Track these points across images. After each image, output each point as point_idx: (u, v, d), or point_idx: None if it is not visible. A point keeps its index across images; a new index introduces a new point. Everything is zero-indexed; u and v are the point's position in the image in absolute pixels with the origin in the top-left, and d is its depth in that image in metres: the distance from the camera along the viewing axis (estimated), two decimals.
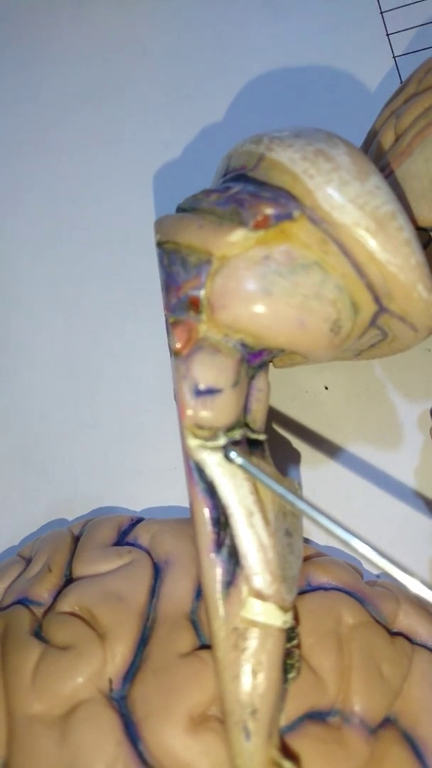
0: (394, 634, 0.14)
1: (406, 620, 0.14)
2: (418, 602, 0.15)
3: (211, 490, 0.12)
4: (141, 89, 0.21)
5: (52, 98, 0.22)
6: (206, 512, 0.12)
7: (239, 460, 0.11)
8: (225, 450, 0.11)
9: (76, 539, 0.16)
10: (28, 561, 0.16)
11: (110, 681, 0.13)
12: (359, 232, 0.11)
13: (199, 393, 0.12)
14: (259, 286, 0.11)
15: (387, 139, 0.14)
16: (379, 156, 0.14)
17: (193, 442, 0.12)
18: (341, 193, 0.11)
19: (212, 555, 0.12)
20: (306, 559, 0.15)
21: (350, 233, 0.11)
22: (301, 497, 0.11)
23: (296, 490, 0.13)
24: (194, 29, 0.22)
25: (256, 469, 0.11)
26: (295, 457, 0.16)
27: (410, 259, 0.11)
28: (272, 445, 0.16)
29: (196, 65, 0.21)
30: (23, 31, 0.22)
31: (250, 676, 0.11)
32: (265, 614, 0.11)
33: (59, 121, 0.21)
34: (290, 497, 0.11)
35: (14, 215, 0.20)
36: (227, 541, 0.12)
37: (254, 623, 0.11)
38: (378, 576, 0.16)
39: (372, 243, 0.11)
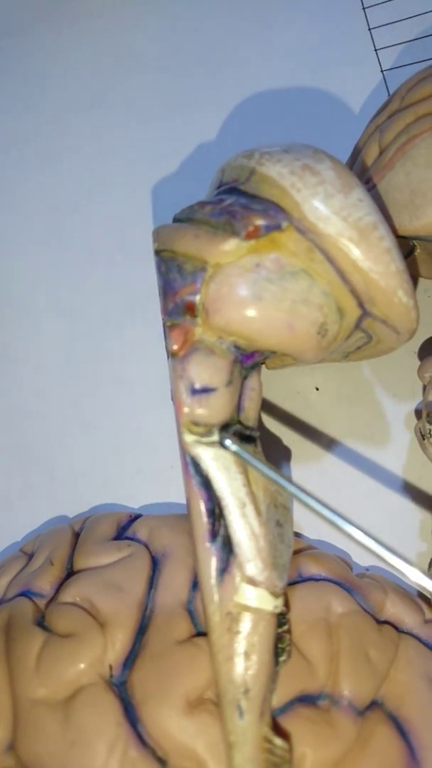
0: (382, 622, 0.15)
1: (393, 609, 0.15)
2: (401, 589, 0.15)
3: (206, 483, 0.13)
4: (138, 102, 0.22)
5: (52, 109, 0.23)
6: (202, 504, 0.13)
7: (234, 447, 0.12)
8: (221, 438, 0.12)
9: (77, 535, 0.17)
10: (30, 556, 0.17)
11: (110, 667, 0.14)
12: (343, 241, 0.12)
13: (194, 392, 0.12)
14: (251, 292, 0.12)
15: (371, 152, 0.15)
16: (363, 169, 0.15)
17: (189, 438, 0.13)
18: (326, 206, 0.12)
19: (207, 544, 0.12)
20: (297, 552, 0.16)
21: (335, 243, 0.12)
22: (292, 482, 0.12)
23: None
24: (188, 44, 0.23)
25: (250, 455, 0.12)
26: (286, 454, 0.17)
27: (390, 267, 0.12)
28: (265, 442, 0.17)
29: (190, 79, 0.22)
30: (25, 45, 0.23)
31: (243, 658, 0.12)
32: (257, 599, 0.12)
33: (59, 131, 0.22)
34: (282, 482, 0.12)
35: (15, 223, 0.21)
36: (221, 531, 0.12)
37: (247, 608, 0.12)
38: (367, 569, 0.17)
39: (355, 252, 0.12)
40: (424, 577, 0.11)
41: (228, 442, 0.12)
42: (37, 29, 0.24)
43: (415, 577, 0.11)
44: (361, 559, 0.17)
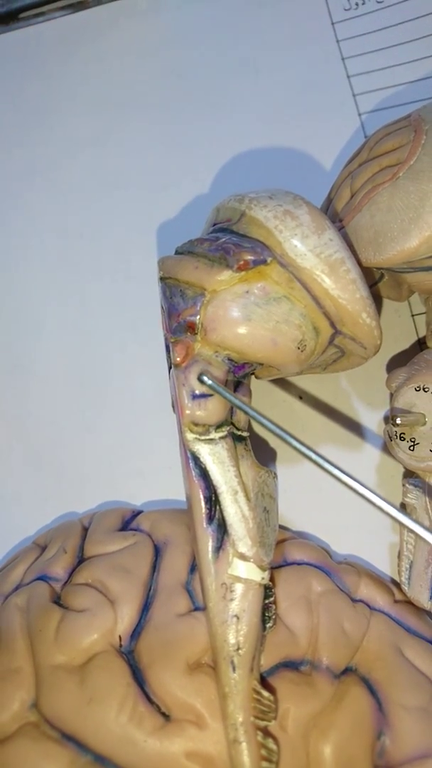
0: (356, 601, 0.18)
1: (366, 590, 0.18)
2: (374, 574, 0.18)
3: (204, 475, 0.16)
4: (141, 137, 0.25)
5: (61, 142, 0.26)
6: (200, 492, 0.15)
7: (209, 381, 0.15)
8: (200, 376, 0.15)
9: (85, 528, 0.20)
10: (43, 548, 0.20)
11: (120, 637, 0.16)
12: (317, 273, 0.15)
13: (194, 397, 0.16)
14: (242, 314, 0.15)
15: (344, 195, 0.18)
16: (337, 209, 0.18)
17: (189, 436, 0.16)
18: (303, 245, 0.15)
19: (205, 526, 0.15)
20: (283, 541, 0.19)
21: (310, 275, 0.15)
22: (263, 415, 0.14)
23: (273, 477, 0.17)
24: (186, 85, 0.26)
25: (223, 389, 0.14)
26: (272, 455, 0.20)
27: (356, 294, 0.15)
28: (254, 443, 0.20)
29: (187, 118, 0.26)
30: (39, 85, 0.27)
31: (235, 620, 0.15)
32: (247, 572, 0.15)
33: (67, 162, 0.26)
34: (252, 413, 0.14)
35: (28, 247, 0.24)
36: (217, 515, 0.15)
37: (238, 579, 0.15)
38: (345, 557, 0.20)
39: (327, 282, 0.15)
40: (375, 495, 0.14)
41: (205, 378, 0.15)
42: (49, 70, 0.27)
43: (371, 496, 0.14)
44: (339, 548, 0.19)
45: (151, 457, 0.21)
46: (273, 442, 0.20)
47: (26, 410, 0.22)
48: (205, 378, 0.15)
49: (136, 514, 0.20)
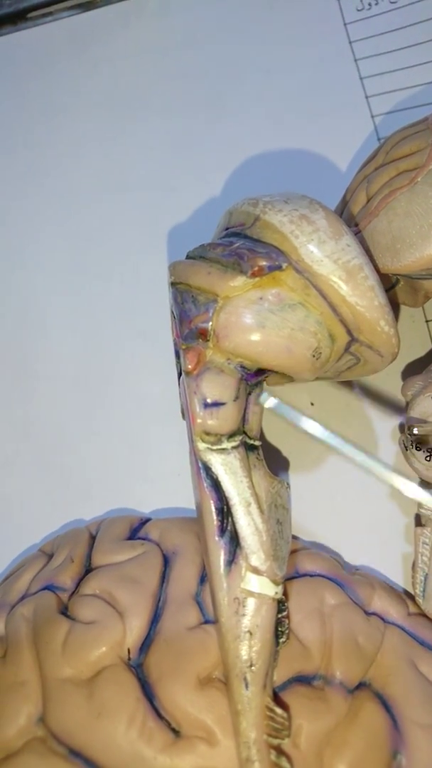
0: (370, 614, 0.17)
1: (380, 603, 0.18)
2: (388, 586, 0.18)
3: (216, 485, 0.15)
4: (151, 138, 0.25)
5: (69, 143, 0.26)
6: (212, 503, 0.15)
7: (272, 401, 0.14)
8: (257, 395, 0.14)
9: (93, 536, 0.19)
10: (50, 556, 0.19)
11: (129, 650, 0.16)
12: (334, 280, 0.14)
13: (206, 405, 0.15)
14: (256, 321, 0.15)
15: (360, 200, 0.18)
16: (352, 213, 0.17)
17: (201, 446, 0.15)
18: (320, 250, 0.14)
19: (217, 538, 0.15)
20: (294, 552, 0.18)
21: (327, 281, 0.14)
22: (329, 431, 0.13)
23: (286, 488, 0.17)
24: (196, 86, 0.26)
25: (288, 408, 0.14)
26: (284, 464, 0.20)
27: (374, 301, 0.15)
28: (266, 452, 0.20)
29: (197, 119, 0.25)
30: (45, 84, 0.26)
31: (248, 636, 0.14)
32: (260, 586, 0.15)
33: (75, 163, 0.25)
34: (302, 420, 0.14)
35: (36, 251, 0.24)
36: (229, 527, 0.15)
37: (251, 593, 0.15)
38: (357, 567, 0.19)
39: (344, 289, 0.14)
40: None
41: (264, 396, 0.14)
42: (58, 70, 0.27)
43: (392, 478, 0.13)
44: (351, 559, 0.19)
45: (159, 463, 0.21)
46: (285, 451, 0.20)
47: (33, 416, 0.22)
48: (264, 396, 0.14)
49: (144, 521, 0.19)
